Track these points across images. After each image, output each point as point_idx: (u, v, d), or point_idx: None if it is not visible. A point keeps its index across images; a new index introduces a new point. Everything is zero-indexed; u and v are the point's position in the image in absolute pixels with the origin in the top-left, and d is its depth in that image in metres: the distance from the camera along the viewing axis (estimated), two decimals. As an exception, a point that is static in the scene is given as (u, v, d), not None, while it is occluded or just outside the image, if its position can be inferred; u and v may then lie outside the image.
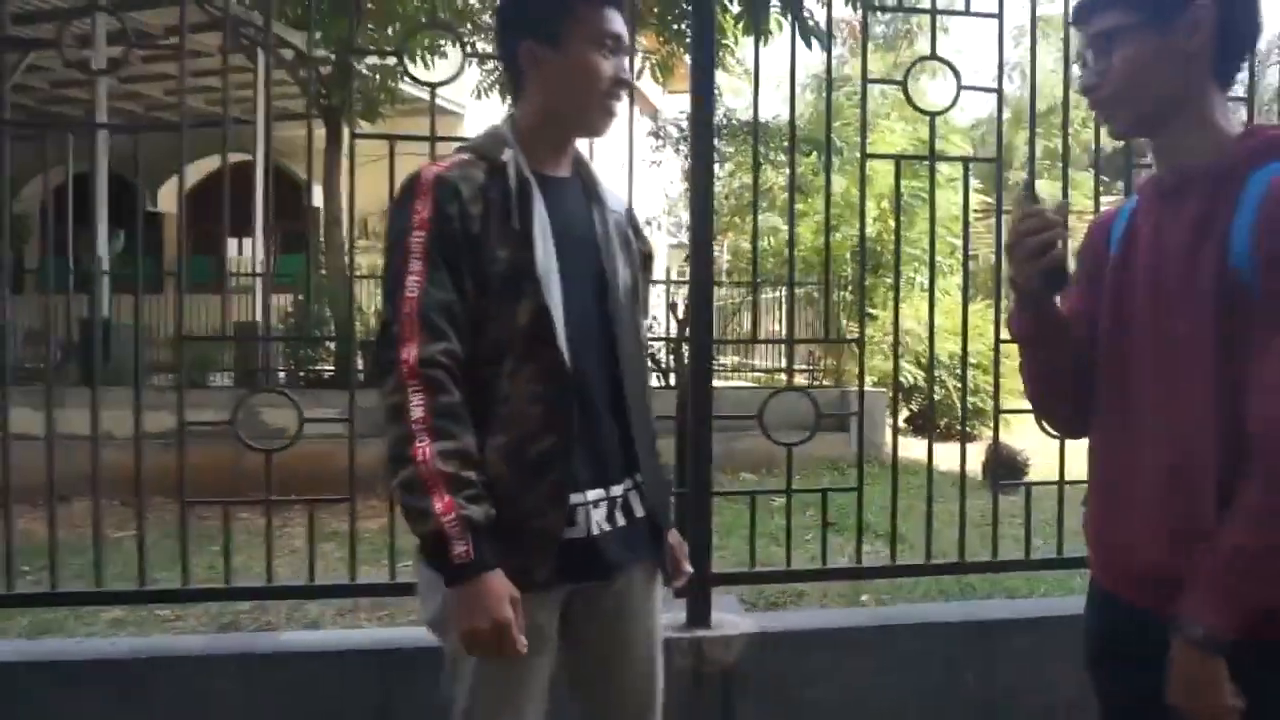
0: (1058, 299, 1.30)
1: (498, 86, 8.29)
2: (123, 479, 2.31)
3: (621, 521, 1.42)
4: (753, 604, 3.66)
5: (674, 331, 6.65)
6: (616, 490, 1.42)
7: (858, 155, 2.64)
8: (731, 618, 2.42)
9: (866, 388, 2.73)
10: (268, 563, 2.28)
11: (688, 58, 2.80)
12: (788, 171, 8.98)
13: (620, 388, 1.43)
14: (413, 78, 2.83)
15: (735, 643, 2.31)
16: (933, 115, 2.53)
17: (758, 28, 5.07)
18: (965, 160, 2.64)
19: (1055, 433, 1.93)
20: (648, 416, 1.49)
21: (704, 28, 2.36)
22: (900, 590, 3.86)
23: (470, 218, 1.32)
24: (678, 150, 10.17)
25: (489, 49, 6.67)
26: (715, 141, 9.71)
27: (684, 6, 6.87)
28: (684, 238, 9.82)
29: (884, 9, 3.00)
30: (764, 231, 10.39)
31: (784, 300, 8.90)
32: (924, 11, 2.48)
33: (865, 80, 2.51)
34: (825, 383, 8.36)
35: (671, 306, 7.37)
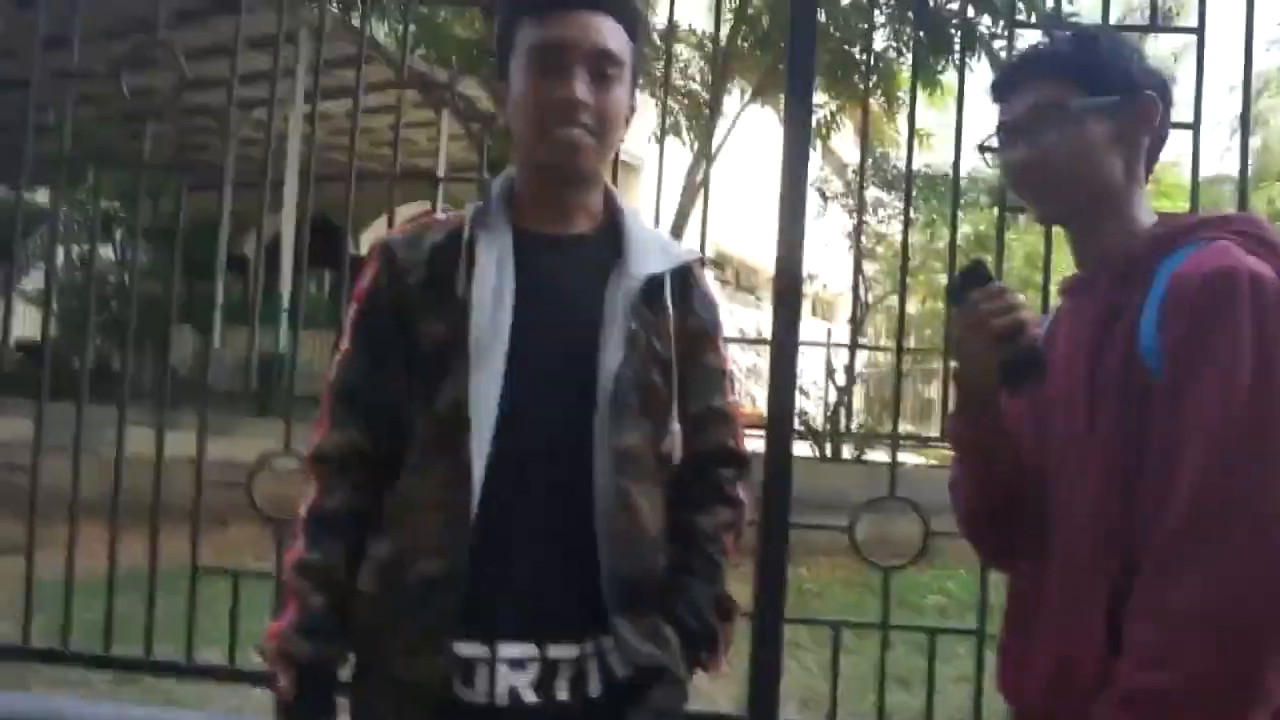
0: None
1: (679, 129, 8.17)
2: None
3: (563, 695, 1.07)
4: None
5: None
6: (561, 652, 1.08)
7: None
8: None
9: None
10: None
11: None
12: (973, 227, 8.23)
13: (590, 510, 1.09)
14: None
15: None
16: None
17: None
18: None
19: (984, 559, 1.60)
20: (639, 552, 1.11)
21: (800, 64, 2.07)
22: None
23: (406, 287, 1.14)
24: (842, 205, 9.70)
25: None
26: (886, 194, 9.17)
27: (858, 57, 6.50)
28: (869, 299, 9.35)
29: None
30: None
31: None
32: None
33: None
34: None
35: (830, 372, 6.90)
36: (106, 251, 10.06)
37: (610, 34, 1.12)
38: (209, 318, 8.49)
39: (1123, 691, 0.91)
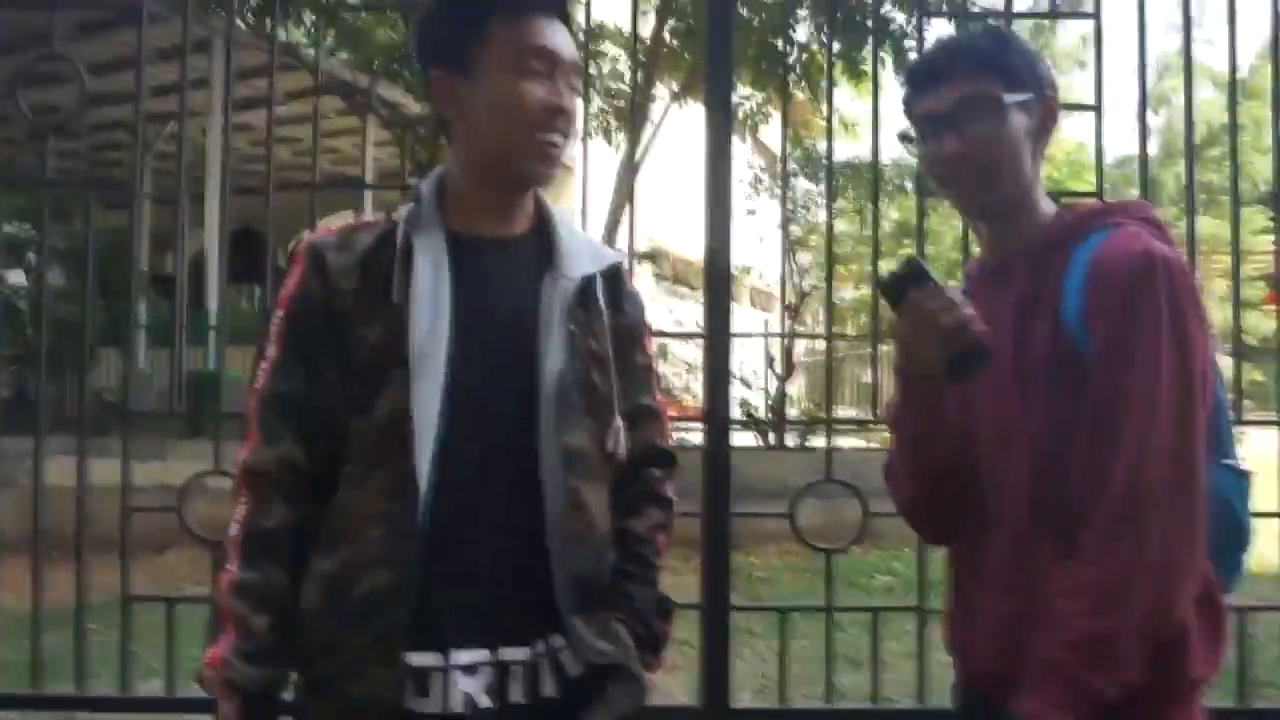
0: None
1: (608, 130, 8.15)
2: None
3: (518, 698, 1.07)
4: None
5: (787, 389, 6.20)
6: (514, 654, 1.07)
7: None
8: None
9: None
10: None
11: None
12: (897, 216, 8.41)
13: (540, 512, 1.09)
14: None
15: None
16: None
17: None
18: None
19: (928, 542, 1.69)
20: (591, 550, 1.12)
21: (719, 56, 2.09)
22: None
23: (337, 293, 1.10)
24: (773, 195, 9.78)
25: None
26: (815, 185, 9.32)
27: (780, 48, 6.59)
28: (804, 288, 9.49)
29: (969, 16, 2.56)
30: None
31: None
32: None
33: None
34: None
35: (770, 361, 6.98)
36: (18, 277, 9.64)
37: (572, 42, 1.15)
38: (132, 339, 8.20)
39: (1069, 637, 0.98)
